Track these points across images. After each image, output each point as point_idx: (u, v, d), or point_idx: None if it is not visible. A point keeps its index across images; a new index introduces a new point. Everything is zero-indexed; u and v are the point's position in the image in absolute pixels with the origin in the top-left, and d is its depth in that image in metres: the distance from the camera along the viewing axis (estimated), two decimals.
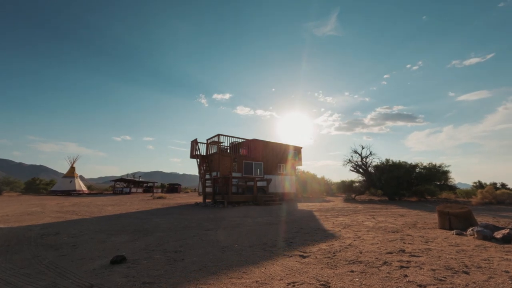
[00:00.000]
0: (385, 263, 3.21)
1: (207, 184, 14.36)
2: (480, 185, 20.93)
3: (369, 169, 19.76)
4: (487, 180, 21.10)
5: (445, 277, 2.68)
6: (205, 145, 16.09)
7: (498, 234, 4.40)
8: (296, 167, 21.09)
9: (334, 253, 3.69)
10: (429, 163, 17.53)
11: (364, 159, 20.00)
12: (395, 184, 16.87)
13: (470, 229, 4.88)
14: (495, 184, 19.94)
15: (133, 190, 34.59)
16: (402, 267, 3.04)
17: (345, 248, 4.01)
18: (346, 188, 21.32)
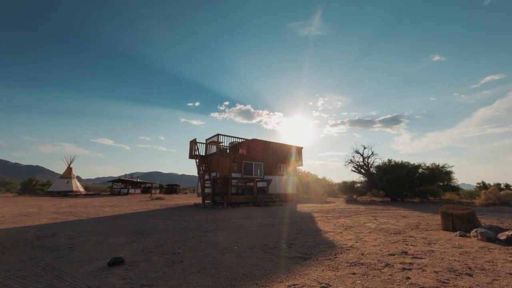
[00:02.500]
0: (387, 265, 3.15)
1: (206, 185, 14.27)
2: (483, 186, 20.84)
3: (371, 169, 19.65)
4: (490, 181, 21.04)
5: (448, 279, 2.63)
6: (204, 145, 16.03)
7: (502, 236, 4.34)
8: (297, 167, 21.02)
9: (335, 255, 3.63)
10: (432, 164, 17.31)
11: (366, 160, 19.92)
12: (397, 185, 16.72)
13: (473, 231, 4.82)
14: (499, 185, 19.82)
15: (131, 191, 34.56)
16: (404, 269, 2.98)
17: (346, 250, 3.95)
18: (348, 189, 21.22)
